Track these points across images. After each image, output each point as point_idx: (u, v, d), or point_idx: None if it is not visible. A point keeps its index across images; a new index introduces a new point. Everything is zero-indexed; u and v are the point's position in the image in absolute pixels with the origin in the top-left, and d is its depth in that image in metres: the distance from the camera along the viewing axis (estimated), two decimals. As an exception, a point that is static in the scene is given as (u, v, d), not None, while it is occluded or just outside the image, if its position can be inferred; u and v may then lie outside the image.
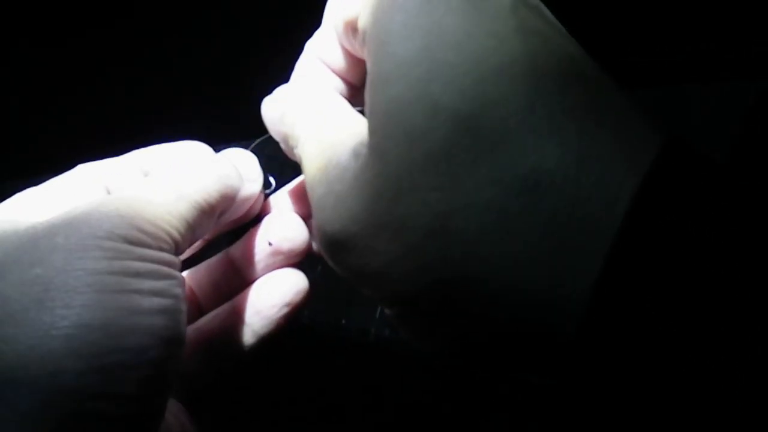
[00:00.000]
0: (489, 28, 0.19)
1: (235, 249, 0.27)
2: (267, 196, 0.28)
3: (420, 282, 0.19)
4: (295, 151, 0.24)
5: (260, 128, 0.26)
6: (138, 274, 0.20)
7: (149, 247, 0.21)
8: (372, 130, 0.20)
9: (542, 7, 0.22)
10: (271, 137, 0.25)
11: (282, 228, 0.26)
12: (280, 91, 0.26)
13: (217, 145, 0.27)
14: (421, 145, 0.18)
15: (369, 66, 0.20)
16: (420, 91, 0.19)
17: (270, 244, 0.26)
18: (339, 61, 0.25)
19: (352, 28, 0.23)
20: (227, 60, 0.45)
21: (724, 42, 0.45)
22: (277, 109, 0.25)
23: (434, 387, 0.39)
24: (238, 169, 0.25)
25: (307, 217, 0.27)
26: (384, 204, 0.19)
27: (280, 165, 0.27)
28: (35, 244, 0.20)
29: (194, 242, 0.24)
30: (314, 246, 0.27)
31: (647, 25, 0.45)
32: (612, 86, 0.20)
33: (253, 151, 0.27)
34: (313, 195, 0.22)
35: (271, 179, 0.27)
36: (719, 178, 0.18)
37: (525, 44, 0.19)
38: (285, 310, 0.26)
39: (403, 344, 0.40)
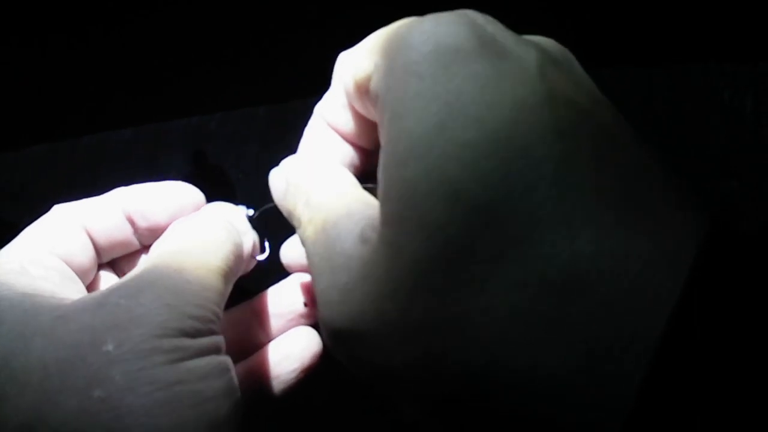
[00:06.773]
0: (514, 98, 0.17)
1: (259, 304, 0.26)
2: (260, 262, 0.26)
3: (436, 388, 0.17)
4: (298, 232, 0.22)
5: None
6: (205, 376, 0.19)
7: (203, 334, 0.19)
8: (385, 219, 0.18)
9: (572, 60, 0.19)
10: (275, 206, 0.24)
11: None
12: (286, 163, 0.23)
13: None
14: (438, 240, 0.17)
15: (382, 140, 0.18)
16: (438, 176, 0.16)
17: (305, 305, 0.25)
18: (349, 126, 0.23)
19: (363, 90, 0.20)
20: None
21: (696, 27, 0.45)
22: (282, 183, 0.23)
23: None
24: (233, 224, 0.24)
25: None
26: (395, 303, 0.17)
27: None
28: (81, 356, 0.18)
29: None
30: None
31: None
32: (648, 156, 0.18)
33: (253, 217, 0.25)
34: (317, 285, 0.20)
35: (266, 245, 0.26)
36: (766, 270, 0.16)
37: (555, 117, 0.17)
38: (302, 374, 0.25)
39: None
